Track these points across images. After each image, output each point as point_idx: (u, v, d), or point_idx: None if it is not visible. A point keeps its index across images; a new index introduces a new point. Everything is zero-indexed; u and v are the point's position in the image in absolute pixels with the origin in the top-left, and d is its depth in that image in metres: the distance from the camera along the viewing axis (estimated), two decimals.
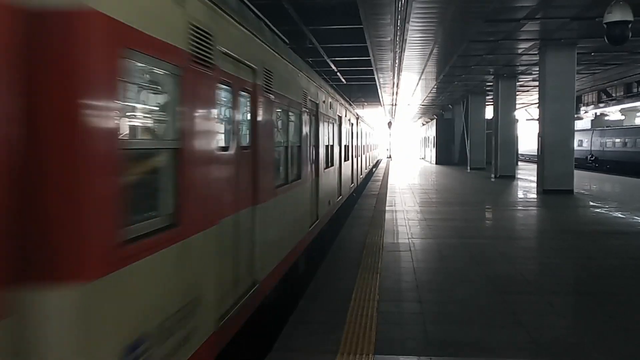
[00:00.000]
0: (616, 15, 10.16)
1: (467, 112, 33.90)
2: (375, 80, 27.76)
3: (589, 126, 40.26)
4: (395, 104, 39.84)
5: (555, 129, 17.49)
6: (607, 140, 36.73)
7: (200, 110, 3.53)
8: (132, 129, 2.93)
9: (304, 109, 7.78)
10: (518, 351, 4.57)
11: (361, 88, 35.04)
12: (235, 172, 4.45)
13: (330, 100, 11.02)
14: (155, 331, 2.86)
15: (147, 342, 2.76)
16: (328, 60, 22.49)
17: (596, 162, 37.98)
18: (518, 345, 4.69)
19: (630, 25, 10.25)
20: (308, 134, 8.37)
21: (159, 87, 3.24)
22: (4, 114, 2.09)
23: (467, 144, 33.58)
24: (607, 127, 38.57)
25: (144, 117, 3.15)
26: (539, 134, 18.25)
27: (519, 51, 18.85)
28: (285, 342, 4.72)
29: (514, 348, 4.63)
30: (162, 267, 3.01)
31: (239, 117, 4.59)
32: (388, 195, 17.76)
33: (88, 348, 2.32)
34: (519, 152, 37.89)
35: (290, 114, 6.95)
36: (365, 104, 42.65)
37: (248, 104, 4.88)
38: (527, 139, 43.29)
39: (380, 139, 60.06)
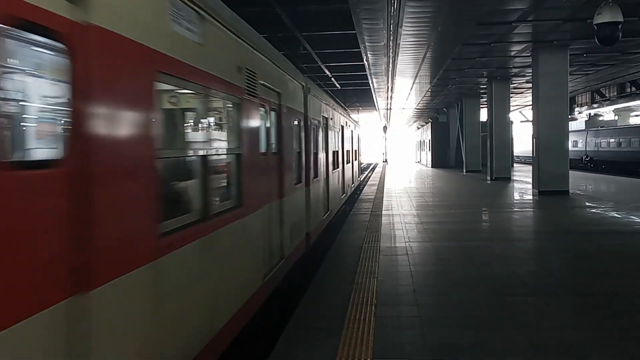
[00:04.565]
0: (606, 16, 10.23)
1: (461, 115, 33.98)
2: (369, 85, 27.86)
3: (583, 127, 40.43)
4: (390, 109, 39.95)
5: (549, 130, 17.56)
6: (602, 140, 36.90)
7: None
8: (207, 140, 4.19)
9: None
10: (517, 354, 4.57)
11: (356, 93, 35.19)
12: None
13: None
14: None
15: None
16: (322, 66, 22.58)
17: (591, 163, 38.14)
18: (517, 347, 4.69)
19: (620, 26, 10.31)
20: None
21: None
22: None
23: (462, 147, 33.65)
24: (601, 127, 38.74)
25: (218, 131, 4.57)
26: (533, 135, 18.31)
27: (512, 53, 18.94)
28: (283, 349, 4.71)
29: (512, 350, 4.63)
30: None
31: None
32: (385, 199, 17.77)
33: None
34: (514, 154, 38.01)
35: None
36: (361, 108, 42.78)
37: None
38: (522, 140, 43.45)
39: (375, 144, 60.13)
